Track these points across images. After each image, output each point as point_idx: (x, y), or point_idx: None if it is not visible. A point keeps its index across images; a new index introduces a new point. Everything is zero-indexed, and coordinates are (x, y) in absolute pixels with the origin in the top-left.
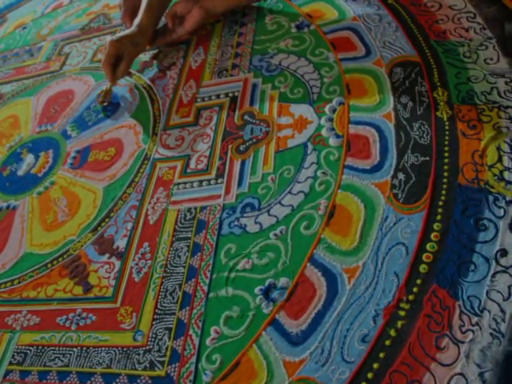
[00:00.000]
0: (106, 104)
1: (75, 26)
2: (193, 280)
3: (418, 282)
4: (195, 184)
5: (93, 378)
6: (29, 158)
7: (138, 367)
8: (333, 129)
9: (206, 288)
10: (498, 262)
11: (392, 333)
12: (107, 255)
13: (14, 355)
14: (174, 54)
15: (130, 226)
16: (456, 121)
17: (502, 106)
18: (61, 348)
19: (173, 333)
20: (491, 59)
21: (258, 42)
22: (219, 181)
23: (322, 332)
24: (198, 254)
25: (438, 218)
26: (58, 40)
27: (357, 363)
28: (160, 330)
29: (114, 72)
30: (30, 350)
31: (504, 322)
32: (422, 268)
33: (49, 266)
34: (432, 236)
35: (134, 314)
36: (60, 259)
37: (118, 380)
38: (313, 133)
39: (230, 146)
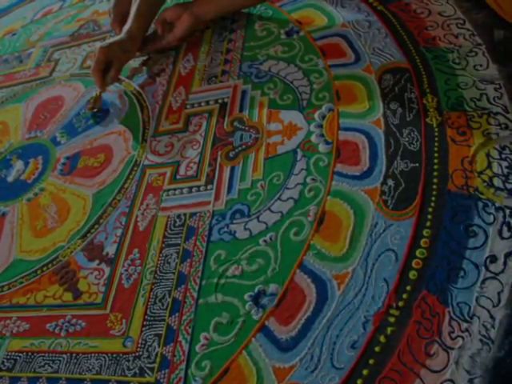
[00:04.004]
0: (95, 110)
1: (65, 33)
2: (182, 286)
3: (408, 288)
4: (185, 190)
5: None
6: (18, 165)
7: (127, 373)
8: (322, 135)
9: (195, 294)
10: (487, 269)
11: (382, 339)
12: (97, 261)
13: (3, 361)
14: (163, 60)
15: (119, 232)
16: (445, 127)
17: (492, 113)
18: (50, 354)
19: (162, 339)
20: (481, 65)
21: (247, 48)
22: (209, 187)
23: (311, 338)
24: (188, 260)
25: (428, 224)
26: (48, 46)
27: (346, 369)
28: (150, 337)
29: (103, 78)
30: (20, 357)
31: (493, 328)
32: (412, 274)
33: (38, 272)
34: (421, 242)
35: (124, 321)
36: (50, 265)
37: None
38: (302, 139)
39: (219, 153)
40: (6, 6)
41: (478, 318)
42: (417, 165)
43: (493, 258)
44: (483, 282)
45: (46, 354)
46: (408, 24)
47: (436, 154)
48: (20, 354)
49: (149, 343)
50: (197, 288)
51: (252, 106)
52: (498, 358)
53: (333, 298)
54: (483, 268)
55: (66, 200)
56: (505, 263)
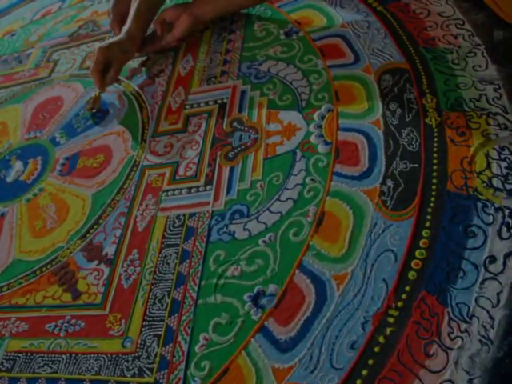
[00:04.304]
0: (94, 111)
1: (64, 33)
2: (182, 287)
3: (407, 288)
4: (184, 191)
5: None
6: (18, 165)
7: (126, 374)
8: (321, 135)
9: (194, 295)
10: (486, 269)
11: (381, 339)
12: (96, 262)
13: (2, 362)
14: (162, 60)
15: (118, 232)
16: (445, 128)
17: (491, 113)
18: (50, 355)
19: (162, 339)
20: (480, 66)
21: (246, 48)
22: (208, 188)
23: (310, 339)
24: (187, 260)
25: (427, 224)
26: (47, 47)
27: (346, 370)
28: (149, 337)
29: (102, 79)
30: (19, 357)
31: (493, 328)
32: (411, 275)
33: (38, 272)
34: (421, 243)
35: (123, 321)
36: (49, 266)
37: None
38: (301, 140)
39: (218, 153)
40: (5, 6)
41: (478, 318)
42: (416, 165)
43: (492, 259)
44: (482, 282)
45: (46, 355)
46: (407, 24)
47: (435, 155)
48: (19, 355)
49: (148, 344)
50: (196, 288)
51: (251, 107)
52: (497, 359)
53: (332, 299)
54: (482, 268)
55: (65, 200)
56: (504, 264)
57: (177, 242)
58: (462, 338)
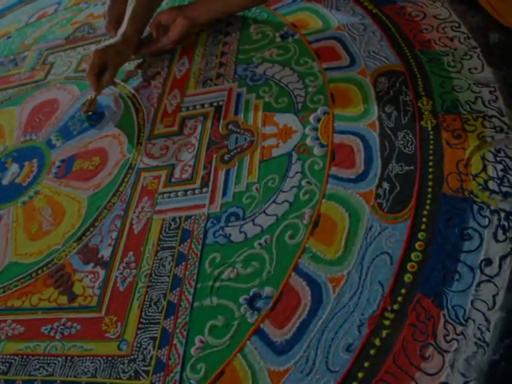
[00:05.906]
0: (90, 113)
1: (60, 36)
2: (177, 289)
3: (403, 291)
4: (180, 193)
5: None
6: (13, 168)
7: (122, 376)
8: (317, 138)
9: (190, 297)
10: (482, 272)
11: (377, 342)
12: (92, 264)
13: None
14: (158, 63)
15: (114, 235)
16: (440, 130)
17: (487, 116)
18: (45, 357)
19: (157, 342)
20: (476, 69)
21: (242, 51)
22: (204, 190)
23: (306, 341)
24: (183, 263)
25: (423, 227)
26: (43, 49)
27: (341, 372)
28: (145, 340)
29: (98, 81)
30: (15, 360)
31: (489, 331)
32: (407, 277)
33: (33, 275)
34: (416, 245)
35: (119, 324)
36: (45, 268)
37: None
38: (297, 142)
39: (214, 156)
40: (1, 8)
41: (473, 320)
42: (412, 168)
43: (488, 261)
44: (478, 285)
45: (41, 357)
46: (403, 27)
47: (431, 157)
48: (15, 357)
49: (144, 346)
50: (192, 291)
51: (247, 109)
52: (493, 361)
53: (328, 301)
54: (478, 271)
55: (60, 203)
56: (500, 266)
57: (173, 244)
58: (457, 341)
